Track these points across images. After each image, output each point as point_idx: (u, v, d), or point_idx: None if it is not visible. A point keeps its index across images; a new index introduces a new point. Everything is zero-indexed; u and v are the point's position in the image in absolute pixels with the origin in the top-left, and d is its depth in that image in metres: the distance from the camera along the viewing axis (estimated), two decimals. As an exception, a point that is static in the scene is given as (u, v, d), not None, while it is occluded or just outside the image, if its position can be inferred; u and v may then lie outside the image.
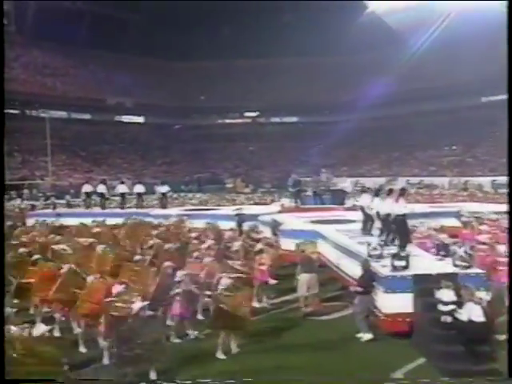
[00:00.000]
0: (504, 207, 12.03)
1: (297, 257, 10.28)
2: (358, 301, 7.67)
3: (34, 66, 52.93)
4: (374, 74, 52.12)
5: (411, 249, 9.21)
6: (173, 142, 56.13)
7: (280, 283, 10.79)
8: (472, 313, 6.36)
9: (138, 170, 48.45)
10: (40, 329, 4.99)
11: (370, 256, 8.70)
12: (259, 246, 10.23)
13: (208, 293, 8.05)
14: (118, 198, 21.53)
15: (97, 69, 55.99)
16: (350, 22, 56.33)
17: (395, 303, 7.54)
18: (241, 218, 15.76)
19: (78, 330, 7.36)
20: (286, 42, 55.95)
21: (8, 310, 5.44)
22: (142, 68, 58.00)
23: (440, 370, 6.34)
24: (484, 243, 9.97)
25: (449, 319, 6.63)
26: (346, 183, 19.20)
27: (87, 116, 53.88)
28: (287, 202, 19.79)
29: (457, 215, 16.11)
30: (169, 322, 7.75)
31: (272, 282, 10.04)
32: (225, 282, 7.23)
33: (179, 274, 7.53)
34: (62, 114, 51.60)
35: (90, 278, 7.54)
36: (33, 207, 21.51)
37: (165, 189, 20.25)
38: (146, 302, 6.16)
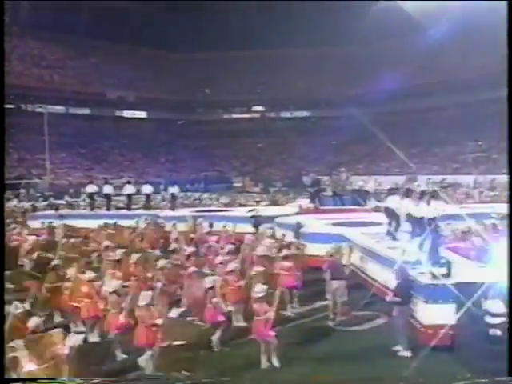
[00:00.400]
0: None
1: (324, 262, 10.19)
2: (397, 312, 7.55)
3: (29, 58, 53.10)
4: (390, 65, 51.82)
5: (444, 254, 9.11)
6: (176, 139, 56.15)
7: (305, 290, 10.77)
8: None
9: (140, 168, 48.58)
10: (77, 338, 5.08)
11: (404, 262, 8.59)
12: (285, 250, 10.15)
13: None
14: (122, 199, 21.60)
15: (96, 61, 56.13)
16: (364, 9, 55.97)
17: (436, 314, 7.43)
18: (257, 220, 15.76)
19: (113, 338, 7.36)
20: (296, 32, 55.82)
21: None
22: (144, 60, 58.11)
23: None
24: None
25: (498, 333, 6.52)
26: (369, 183, 19.03)
27: (86, 111, 53.97)
28: (305, 202, 19.72)
29: (487, 217, 15.93)
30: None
31: (298, 289, 9.99)
32: (260, 288, 7.16)
33: (210, 280, 7.50)
34: (60, 108, 51.72)
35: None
36: (34, 208, 21.52)
37: (175, 189, 20.29)
38: (181, 309, 6.14)
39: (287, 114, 62.19)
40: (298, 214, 17.86)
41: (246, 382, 6.58)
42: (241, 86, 59.24)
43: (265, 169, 53.55)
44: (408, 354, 7.48)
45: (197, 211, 19.17)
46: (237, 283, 8.56)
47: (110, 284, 6.97)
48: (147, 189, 20.39)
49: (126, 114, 57.16)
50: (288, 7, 56.95)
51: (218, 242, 11.85)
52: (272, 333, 7.08)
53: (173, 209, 19.42)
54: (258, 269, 8.65)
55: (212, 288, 7.47)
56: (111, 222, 15.27)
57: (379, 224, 13.58)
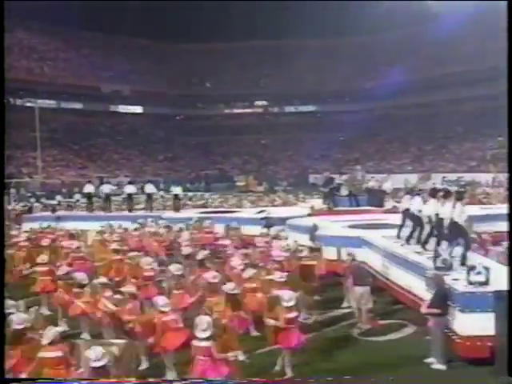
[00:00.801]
0: None
1: (345, 267, 10.10)
2: (434, 323, 7.43)
3: (19, 50, 52.91)
4: (402, 56, 51.81)
5: (477, 259, 9.00)
6: (175, 135, 56.16)
7: (322, 297, 10.68)
8: None
9: (136, 167, 48.65)
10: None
11: (437, 268, 8.48)
12: (305, 254, 10.07)
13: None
14: (116, 199, 21.54)
15: (90, 52, 56.23)
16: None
17: (474, 324, 7.29)
18: (268, 222, 15.66)
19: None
20: (302, 20, 55.71)
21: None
22: (140, 51, 58.15)
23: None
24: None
25: (542, 344, 6.38)
26: (387, 183, 18.90)
27: (79, 105, 54.06)
28: (317, 203, 19.60)
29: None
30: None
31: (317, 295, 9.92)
32: (288, 295, 7.08)
33: (229, 287, 7.41)
34: (51, 103, 51.78)
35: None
36: (29, 209, 21.49)
37: (178, 190, 20.31)
38: (208, 318, 6.08)
39: (292, 109, 62.25)
40: (310, 215, 17.77)
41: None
42: (243, 79, 59.14)
43: (269, 167, 53.56)
44: (443, 367, 7.36)
45: (202, 212, 19.09)
46: (257, 291, 8.47)
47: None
48: (149, 188, 20.36)
49: (122, 108, 57.23)
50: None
51: (229, 246, 11.75)
52: (302, 339, 7.04)
53: (177, 210, 19.42)
54: (280, 275, 8.54)
55: (233, 295, 7.39)
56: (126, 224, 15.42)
57: (398, 226, 13.47)
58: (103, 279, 8.65)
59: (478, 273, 7.61)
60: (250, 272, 8.57)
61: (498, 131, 44.82)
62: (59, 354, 5.47)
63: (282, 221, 16.32)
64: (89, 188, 20.82)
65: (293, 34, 57.59)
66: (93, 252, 12.45)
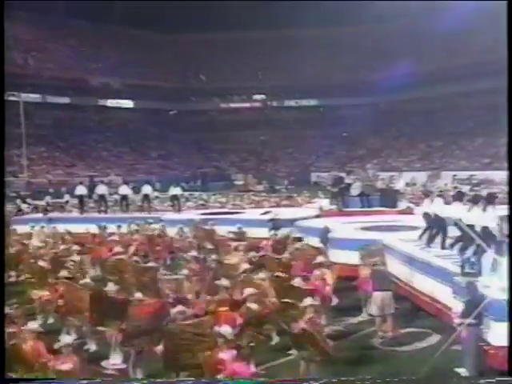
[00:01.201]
0: None
1: (365, 271, 10.10)
2: (467, 334, 7.39)
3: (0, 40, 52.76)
4: (410, 47, 51.92)
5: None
6: (168, 131, 56.07)
7: (337, 303, 10.67)
8: None
9: (128, 165, 48.61)
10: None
11: (464, 274, 8.47)
12: (320, 258, 10.06)
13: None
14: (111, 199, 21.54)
15: (77, 43, 55.95)
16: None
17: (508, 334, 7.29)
18: (275, 224, 15.68)
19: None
20: (302, 9, 55.68)
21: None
22: (131, 42, 57.95)
23: None
24: None
25: None
26: (399, 182, 18.95)
27: (66, 100, 53.77)
28: (325, 203, 19.61)
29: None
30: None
31: (334, 301, 9.91)
32: (309, 302, 7.10)
33: (247, 292, 7.41)
34: (36, 97, 51.41)
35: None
36: (19, 211, 21.43)
37: (177, 190, 20.41)
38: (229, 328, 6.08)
39: (292, 103, 62.29)
40: (318, 216, 17.79)
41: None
42: (240, 71, 59.13)
43: (268, 165, 53.57)
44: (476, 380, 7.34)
45: (203, 214, 19.09)
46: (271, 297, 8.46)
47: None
48: (146, 189, 20.39)
49: (111, 103, 57.03)
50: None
51: (237, 248, 11.77)
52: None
53: (178, 211, 19.47)
54: (298, 280, 8.54)
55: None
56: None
57: (415, 228, 13.50)
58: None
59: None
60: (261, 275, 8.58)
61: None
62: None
63: (290, 222, 16.35)
64: (81, 190, 20.78)
65: (293, 24, 57.59)
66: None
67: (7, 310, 7.30)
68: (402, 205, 18.36)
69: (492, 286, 7.88)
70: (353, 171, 20.81)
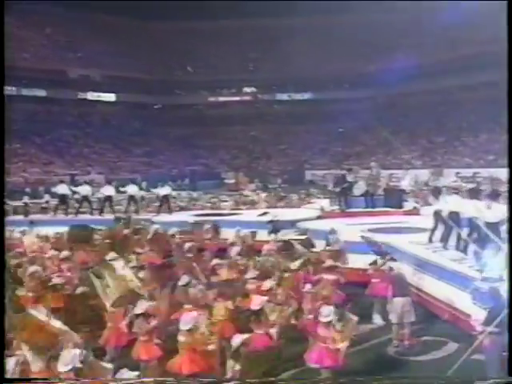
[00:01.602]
0: None
1: (375, 276, 10.14)
2: (491, 343, 7.40)
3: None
4: (410, 37, 52.15)
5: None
6: (153, 126, 56.02)
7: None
8: None
9: (110, 162, 48.44)
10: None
11: (484, 279, 8.52)
12: (329, 261, 10.07)
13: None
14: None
15: (54, 31, 55.51)
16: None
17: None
18: (275, 226, 15.65)
19: None
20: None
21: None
22: (112, 31, 57.66)
23: None
24: None
25: None
26: (405, 180, 19.05)
27: (42, 92, 53.48)
28: (325, 203, 19.65)
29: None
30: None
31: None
32: (327, 310, 7.10)
33: (259, 302, 7.38)
34: (10, 89, 50.79)
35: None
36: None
37: (166, 190, 20.48)
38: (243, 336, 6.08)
39: (285, 97, 62.46)
40: (319, 217, 17.83)
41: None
42: (229, 63, 59.08)
43: (260, 162, 53.57)
44: (500, 391, 7.37)
45: (197, 215, 19.06)
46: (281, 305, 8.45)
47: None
48: (132, 189, 20.32)
49: (92, 96, 56.77)
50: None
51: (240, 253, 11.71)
52: (340, 361, 7.01)
53: (170, 212, 19.51)
54: (309, 287, 8.55)
55: (260, 310, 7.34)
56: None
57: (423, 230, 13.57)
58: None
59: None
60: (268, 284, 8.59)
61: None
62: None
63: (291, 224, 16.36)
64: (63, 189, 20.64)
65: (285, 13, 57.63)
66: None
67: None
68: (408, 205, 18.46)
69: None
70: (353, 169, 20.88)
